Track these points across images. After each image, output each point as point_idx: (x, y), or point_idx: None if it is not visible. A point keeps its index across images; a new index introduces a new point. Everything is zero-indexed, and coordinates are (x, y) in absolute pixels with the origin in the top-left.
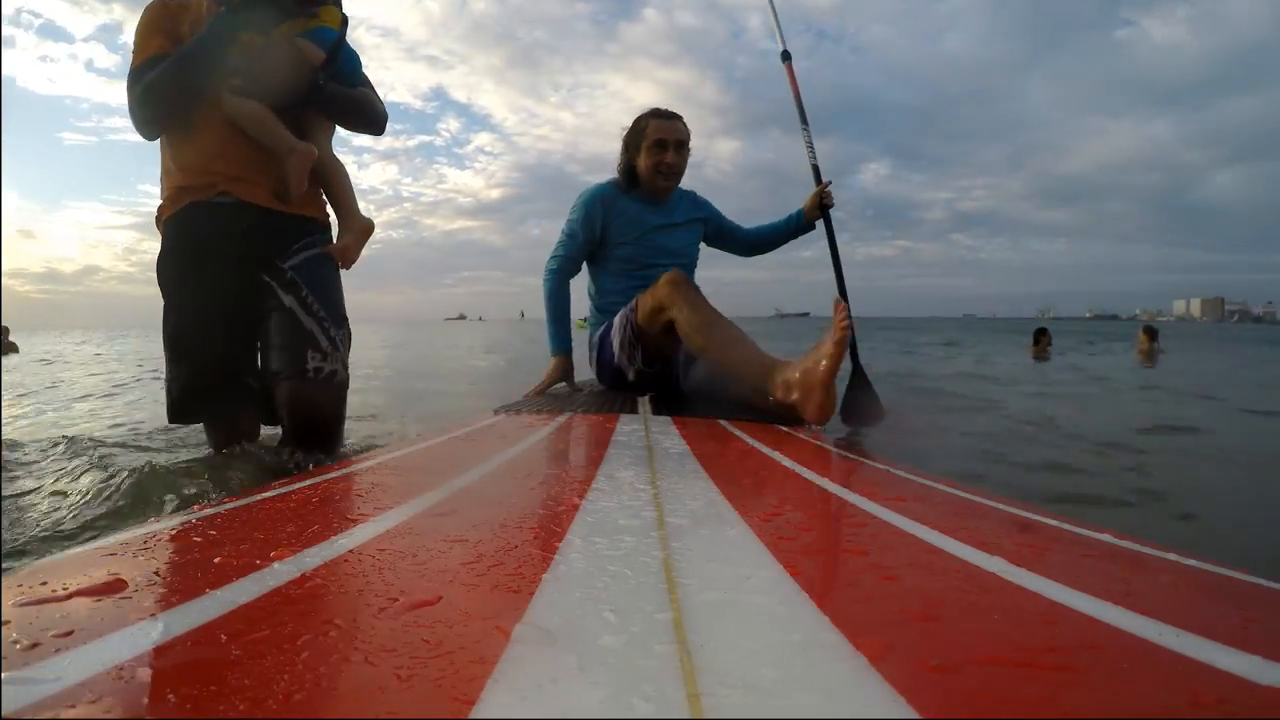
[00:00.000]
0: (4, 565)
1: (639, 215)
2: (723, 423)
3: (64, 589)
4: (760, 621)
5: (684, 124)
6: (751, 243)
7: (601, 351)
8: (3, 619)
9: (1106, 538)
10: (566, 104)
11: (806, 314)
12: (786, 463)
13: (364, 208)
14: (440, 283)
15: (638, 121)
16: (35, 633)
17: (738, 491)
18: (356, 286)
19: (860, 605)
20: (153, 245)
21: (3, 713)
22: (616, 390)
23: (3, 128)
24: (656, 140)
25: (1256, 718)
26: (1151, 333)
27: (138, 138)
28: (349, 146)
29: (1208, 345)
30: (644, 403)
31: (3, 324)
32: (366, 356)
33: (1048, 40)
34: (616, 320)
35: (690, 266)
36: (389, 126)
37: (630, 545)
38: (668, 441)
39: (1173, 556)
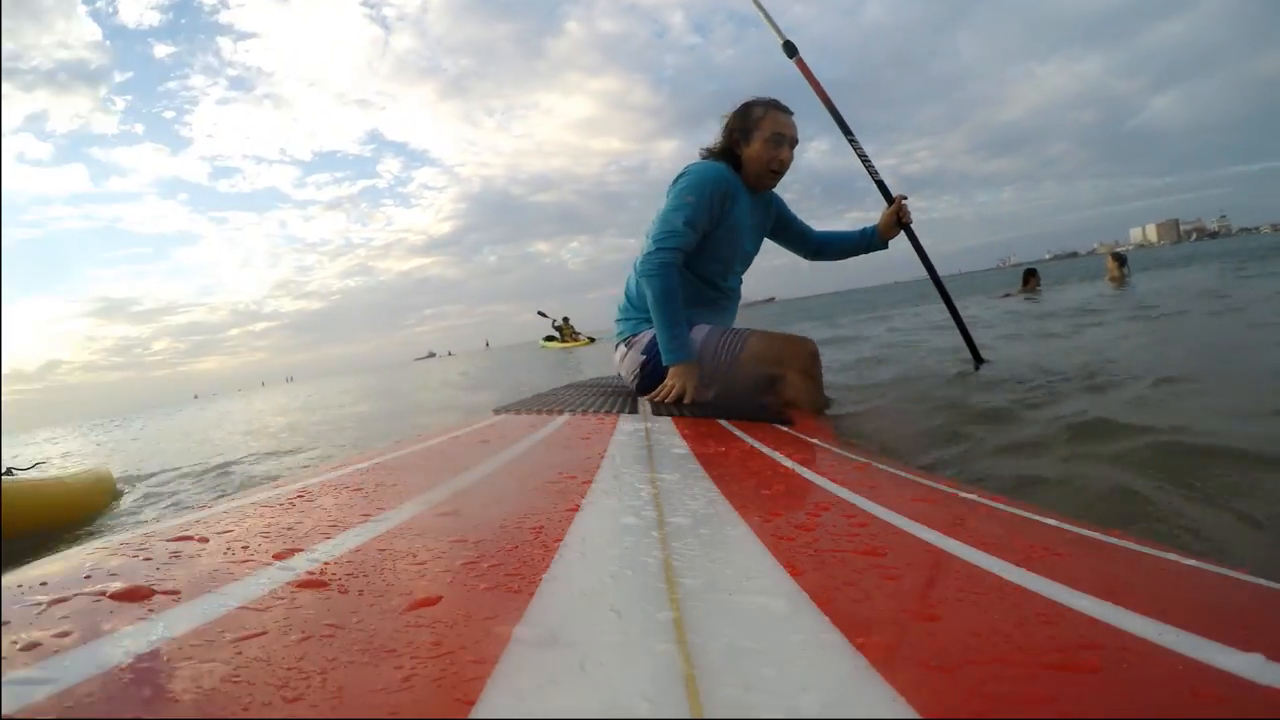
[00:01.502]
0: (4, 565)
1: (745, 206)
2: (723, 423)
3: (64, 589)
4: (760, 621)
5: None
6: (817, 246)
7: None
8: (3, 619)
9: (1106, 538)
10: (503, 127)
11: (772, 299)
12: (786, 463)
13: (316, 260)
14: (404, 323)
15: (751, 107)
16: (35, 633)
17: (738, 491)
18: (317, 343)
19: (860, 605)
20: (111, 329)
21: (3, 713)
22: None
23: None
24: (775, 134)
25: (1256, 718)
26: (1120, 259)
27: (82, 222)
28: (293, 201)
29: (1165, 267)
30: (644, 403)
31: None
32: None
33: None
34: (711, 341)
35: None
36: (330, 176)
37: (630, 545)
38: (668, 441)
39: (1173, 556)
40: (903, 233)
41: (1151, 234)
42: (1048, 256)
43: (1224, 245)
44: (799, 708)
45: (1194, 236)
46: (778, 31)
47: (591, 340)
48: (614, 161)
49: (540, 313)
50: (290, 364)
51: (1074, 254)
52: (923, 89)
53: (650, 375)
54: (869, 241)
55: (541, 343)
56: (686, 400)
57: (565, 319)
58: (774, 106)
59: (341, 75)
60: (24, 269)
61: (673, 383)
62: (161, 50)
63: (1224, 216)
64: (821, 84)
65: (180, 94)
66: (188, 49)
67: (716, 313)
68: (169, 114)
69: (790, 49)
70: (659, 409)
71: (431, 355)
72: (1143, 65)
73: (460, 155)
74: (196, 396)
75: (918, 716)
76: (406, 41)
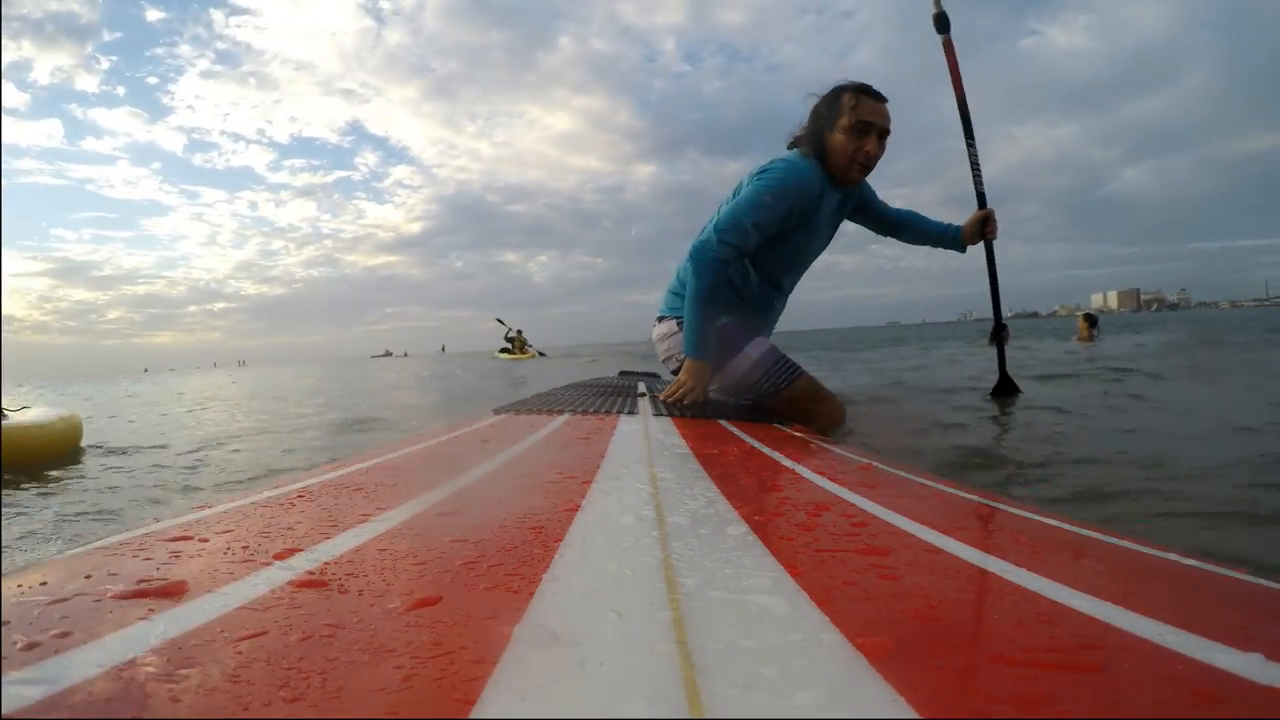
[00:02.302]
0: (4, 565)
1: (828, 202)
2: (723, 422)
3: (64, 589)
4: (760, 621)
5: (886, 107)
6: (893, 223)
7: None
8: (2, 619)
9: (1106, 538)
10: (484, 134)
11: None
12: (786, 463)
13: (283, 245)
14: (363, 319)
15: (840, 92)
16: (35, 633)
17: (738, 491)
18: (274, 329)
19: (860, 605)
20: (69, 291)
21: (3, 713)
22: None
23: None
24: (860, 122)
25: (1256, 718)
26: (1091, 319)
27: (52, 179)
28: (266, 184)
29: (1130, 331)
30: (644, 402)
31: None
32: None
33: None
34: (765, 362)
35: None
36: (306, 162)
37: (631, 545)
38: (668, 441)
39: (1173, 556)
40: (982, 245)
41: (1113, 300)
42: (1009, 314)
43: (1181, 315)
44: (799, 708)
45: (1155, 306)
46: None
47: (541, 354)
48: (591, 180)
49: (499, 320)
50: (245, 348)
51: (1035, 314)
52: (903, 139)
53: (740, 331)
54: (951, 238)
55: (496, 353)
56: (688, 401)
57: (519, 331)
58: (864, 91)
59: (330, 63)
60: None
61: (686, 380)
62: (154, 14)
63: (1184, 290)
64: (960, 77)
65: (166, 61)
66: (179, 17)
67: (766, 314)
68: (152, 80)
69: (942, 23)
70: (660, 408)
71: (388, 354)
72: (1119, 136)
73: (439, 157)
74: (146, 370)
75: (918, 716)
76: (398, 36)
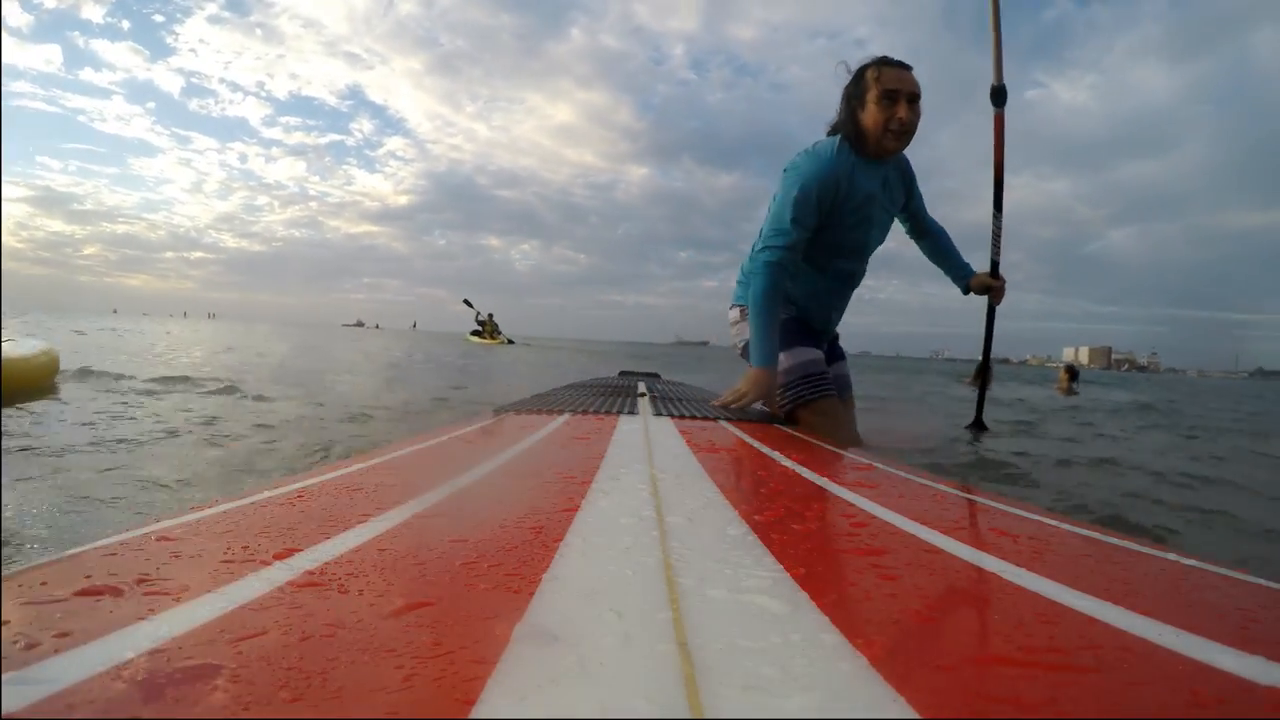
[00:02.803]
0: (4, 565)
1: (865, 182)
2: (723, 423)
3: (64, 589)
4: (760, 621)
5: (914, 74)
6: (923, 229)
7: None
8: (2, 619)
9: (1106, 538)
10: (482, 116)
11: (705, 343)
12: (786, 463)
13: (268, 202)
14: (340, 287)
15: (862, 70)
16: (35, 633)
17: (737, 491)
18: (248, 285)
19: (860, 605)
20: (47, 221)
21: (3, 713)
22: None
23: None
24: (886, 91)
25: (1256, 718)
26: (1072, 372)
27: (44, 105)
28: (259, 138)
29: (1100, 386)
30: (644, 402)
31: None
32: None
33: (959, 95)
34: (793, 374)
35: (865, 264)
36: (301, 121)
37: (630, 545)
38: (668, 441)
39: (1173, 556)
40: (984, 300)
41: (1084, 356)
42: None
43: (1150, 379)
44: (799, 708)
45: (1125, 367)
46: (997, 71)
47: (510, 342)
48: (583, 175)
49: (466, 301)
50: (218, 300)
51: (1006, 360)
52: None
53: (786, 332)
54: (960, 275)
55: (467, 336)
56: (740, 406)
57: (490, 315)
58: (883, 63)
59: (339, 23)
60: None
61: (744, 388)
62: None
63: (1155, 353)
64: (1003, 149)
65: (175, 1)
66: None
67: (827, 308)
68: (159, 18)
69: (999, 96)
70: (660, 408)
71: (360, 324)
72: (1109, 197)
73: (435, 133)
74: (115, 311)
75: (918, 716)
76: (410, 6)
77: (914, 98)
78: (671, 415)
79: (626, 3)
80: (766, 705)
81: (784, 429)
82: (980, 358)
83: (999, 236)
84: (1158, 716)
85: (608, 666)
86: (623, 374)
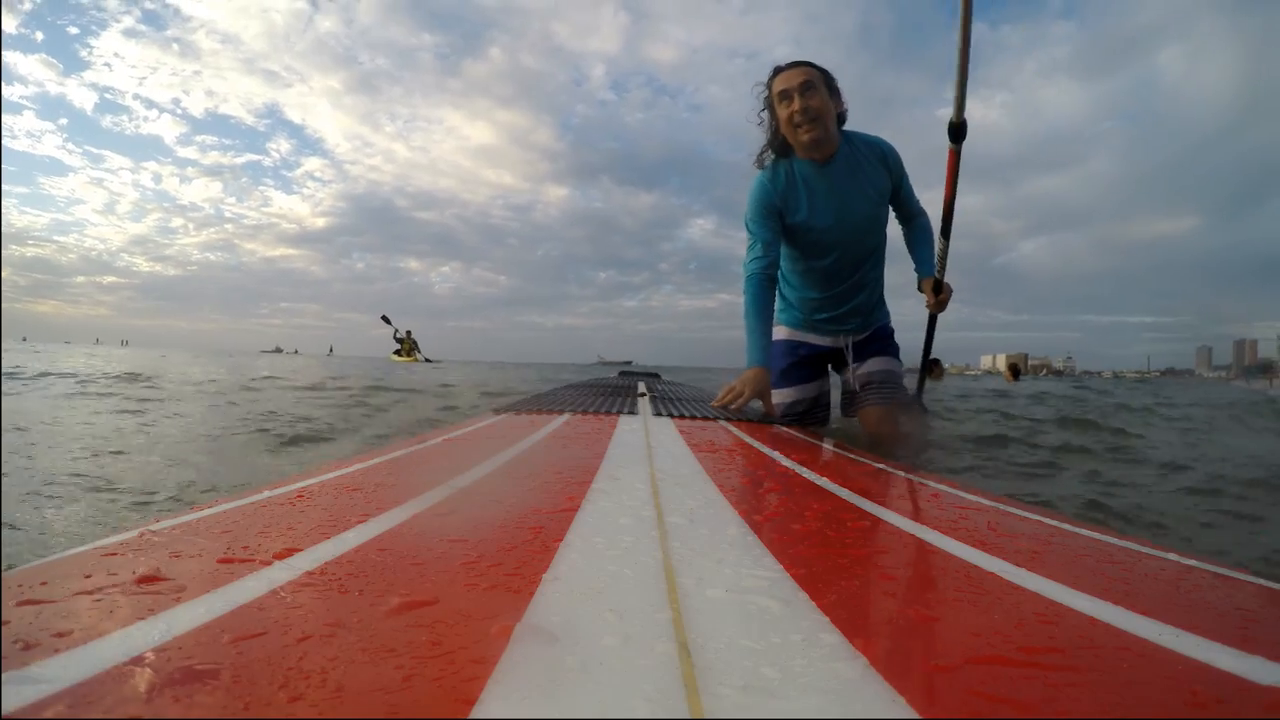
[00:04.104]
0: (4, 565)
1: (807, 181)
2: (723, 423)
3: (64, 589)
4: (760, 621)
5: (810, 67)
6: (905, 215)
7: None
8: (2, 619)
9: (1106, 538)
10: (401, 135)
11: (629, 362)
12: (786, 463)
13: (182, 224)
14: (256, 312)
15: (766, 84)
16: (35, 633)
17: (738, 491)
18: (163, 311)
19: (860, 605)
20: None
21: (3, 713)
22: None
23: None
24: (780, 93)
25: (1256, 718)
26: (1014, 369)
27: None
28: (173, 158)
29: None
30: (644, 402)
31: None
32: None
33: (875, 111)
34: (783, 410)
35: (879, 245)
36: (218, 140)
37: (630, 545)
38: (668, 441)
39: (1173, 556)
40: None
41: (1001, 363)
42: (904, 367)
43: (1066, 381)
44: (799, 708)
45: (1043, 372)
46: (958, 108)
47: (429, 361)
48: (502, 196)
49: (384, 318)
50: (131, 327)
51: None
52: None
53: (780, 361)
54: (918, 267)
55: (390, 356)
56: (737, 406)
57: (409, 333)
58: (776, 70)
59: (257, 40)
60: None
61: (740, 386)
62: None
63: (1070, 357)
64: (956, 183)
65: (91, 12)
66: None
67: (834, 310)
68: (73, 30)
69: (958, 133)
70: (660, 407)
71: (279, 350)
72: (1020, 210)
73: (353, 153)
74: (25, 339)
75: (918, 716)
76: (330, 24)
77: (805, 87)
78: (671, 415)
79: (547, 22)
80: (766, 705)
81: (783, 429)
82: (922, 358)
83: (944, 259)
84: (1158, 716)
85: (608, 666)
86: (623, 374)
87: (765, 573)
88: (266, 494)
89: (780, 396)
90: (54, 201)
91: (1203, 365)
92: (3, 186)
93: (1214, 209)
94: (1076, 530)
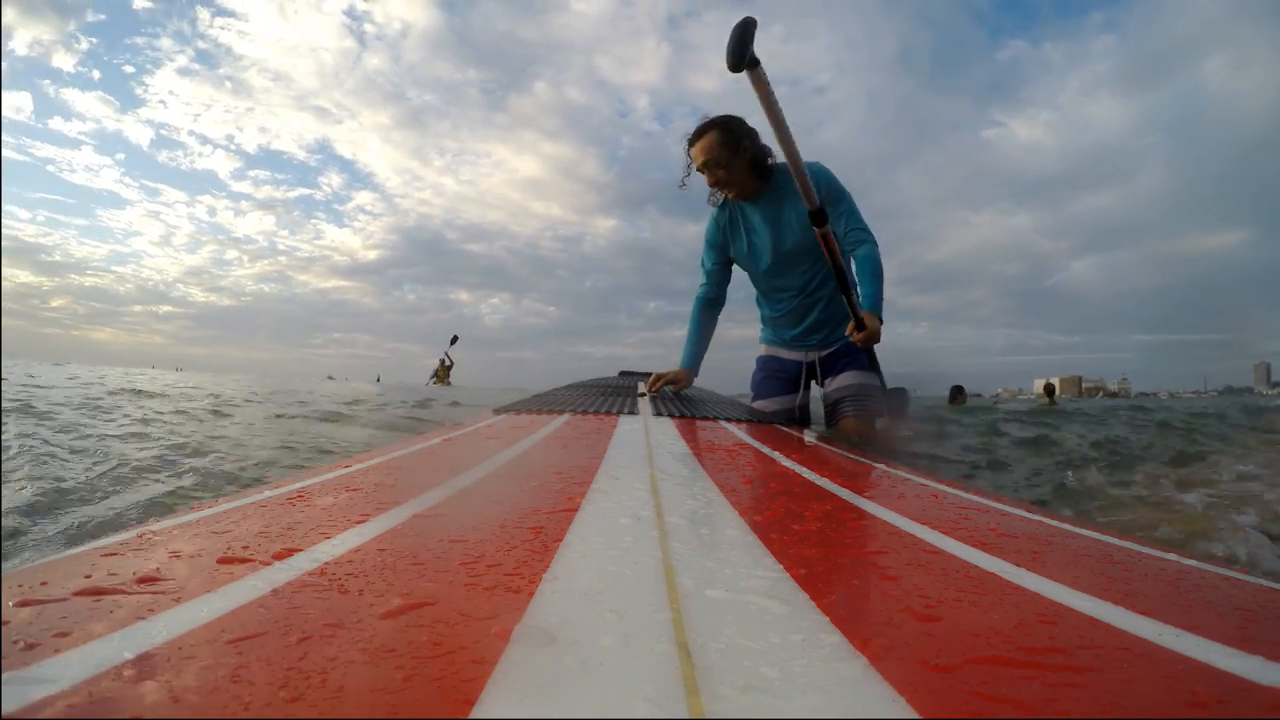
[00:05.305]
0: (4, 565)
1: (746, 217)
2: (723, 422)
3: (64, 589)
4: (760, 621)
5: (710, 135)
6: (848, 245)
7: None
8: (3, 619)
9: (1106, 538)
10: (450, 170)
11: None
12: (786, 463)
13: (237, 256)
14: (309, 342)
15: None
16: (35, 633)
17: (738, 491)
18: (217, 340)
19: (860, 605)
20: (14, 272)
21: (3, 713)
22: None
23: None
24: (696, 168)
25: (1256, 718)
26: (1050, 390)
27: (13, 154)
28: (228, 192)
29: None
30: (644, 402)
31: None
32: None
33: (920, 136)
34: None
35: (824, 267)
36: (271, 175)
37: (630, 545)
38: (668, 441)
39: (1173, 556)
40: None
41: (1056, 386)
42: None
43: (1126, 402)
44: (799, 708)
45: (1098, 394)
46: (809, 197)
47: (448, 385)
48: (551, 227)
49: (454, 338)
50: (185, 355)
51: (979, 395)
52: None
53: (759, 374)
54: (861, 299)
55: (429, 381)
56: (655, 388)
57: (451, 364)
58: (691, 139)
59: (308, 78)
60: None
61: (669, 375)
62: (140, 2)
63: (1125, 379)
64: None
65: (145, 51)
66: (165, 9)
67: (795, 325)
68: (129, 69)
69: (819, 218)
70: (659, 407)
71: (331, 379)
72: (1069, 229)
73: (403, 187)
74: (60, 363)
75: (918, 716)
76: (378, 61)
77: (708, 164)
78: (671, 415)
79: (590, 56)
80: (766, 706)
81: (783, 429)
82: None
83: (856, 307)
84: (1158, 716)
85: (608, 667)
86: (623, 374)
87: (765, 573)
88: (266, 494)
89: (759, 407)
90: (111, 233)
91: (1261, 382)
92: (16, 199)
93: (1265, 220)
94: (1076, 530)
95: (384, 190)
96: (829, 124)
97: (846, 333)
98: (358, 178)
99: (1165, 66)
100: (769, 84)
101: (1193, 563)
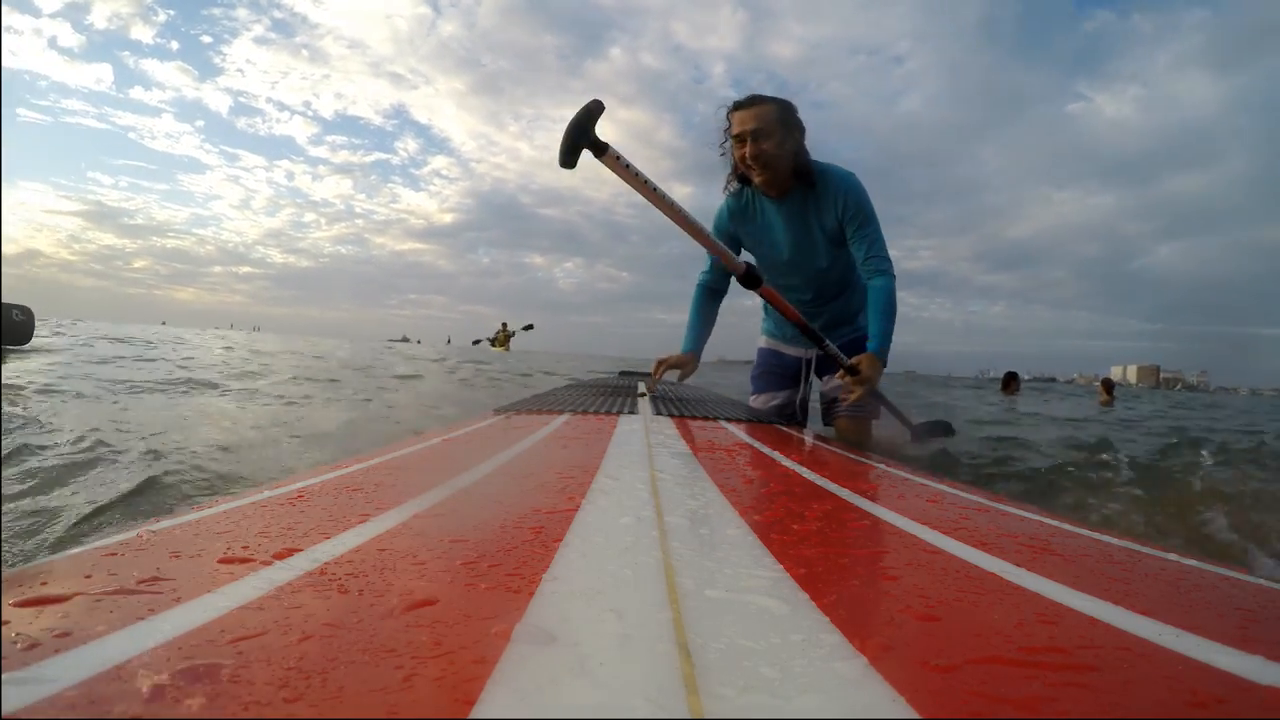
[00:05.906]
0: (4, 565)
1: (764, 212)
2: (723, 422)
3: (64, 589)
4: (760, 621)
5: (766, 106)
6: (864, 273)
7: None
8: (3, 619)
9: (1106, 538)
10: (525, 135)
11: (750, 362)
12: (786, 463)
13: (314, 219)
14: (385, 303)
15: (728, 115)
16: (35, 633)
17: (738, 491)
18: (296, 300)
19: (860, 605)
20: (98, 235)
21: (3, 713)
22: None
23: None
24: (735, 135)
25: (1256, 718)
26: (1109, 384)
27: (95, 122)
28: (305, 156)
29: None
30: (644, 402)
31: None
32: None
33: (1003, 109)
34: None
35: (839, 279)
36: (347, 140)
37: (630, 545)
38: (668, 441)
39: (1173, 557)
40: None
41: (1132, 374)
42: (1026, 377)
43: (1199, 398)
44: (799, 708)
45: (1178, 386)
46: (733, 266)
47: (506, 350)
48: (626, 193)
49: (528, 326)
50: (264, 314)
51: (1053, 379)
52: (939, 190)
53: (758, 368)
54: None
55: (483, 341)
56: (658, 374)
57: (512, 331)
58: (736, 106)
59: (382, 45)
60: (30, 152)
61: (671, 361)
62: None
63: (1204, 372)
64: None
65: (222, 21)
66: None
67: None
68: (206, 39)
69: (751, 280)
70: (659, 407)
71: (405, 340)
72: (1155, 211)
73: (478, 152)
74: (165, 323)
75: (918, 716)
76: (452, 28)
77: (756, 133)
78: (671, 415)
79: (666, 21)
80: (766, 706)
81: (783, 429)
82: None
83: (838, 356)
84: (1158, 716)
85: (607, 667)
86: (623, 374)
87: (765, 573)
88: (266, 494)
89: (757, 400)
90: (192, 197)
91: None
92: (100, 165)
93: None
94: (1076, 530)
95: (459, 155)
96: (907, 94)
97: (839, 378)
98: (433, 143)
99: (1259, 42)
100: (627, 161)
101: (1193, 563)
